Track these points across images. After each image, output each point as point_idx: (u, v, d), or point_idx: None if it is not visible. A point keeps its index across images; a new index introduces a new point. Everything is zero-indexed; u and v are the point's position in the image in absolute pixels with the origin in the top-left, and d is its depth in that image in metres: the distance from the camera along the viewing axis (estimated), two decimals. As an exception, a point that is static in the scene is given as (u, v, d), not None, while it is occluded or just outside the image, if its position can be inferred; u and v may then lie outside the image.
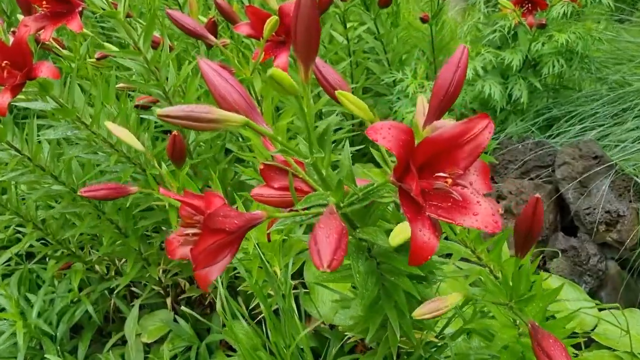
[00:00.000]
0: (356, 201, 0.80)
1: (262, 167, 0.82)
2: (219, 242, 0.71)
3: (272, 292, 1.56)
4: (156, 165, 1.08)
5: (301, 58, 0.67)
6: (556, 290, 0.95)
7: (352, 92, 2.01)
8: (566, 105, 2.22)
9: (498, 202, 1.81)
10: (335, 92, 0.73)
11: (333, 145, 1.87)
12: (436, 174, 0.66)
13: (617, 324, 1.43)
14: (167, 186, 1.21)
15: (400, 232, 0.86)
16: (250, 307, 1.67)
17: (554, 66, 2.08)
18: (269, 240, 1.20)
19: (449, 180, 0.66)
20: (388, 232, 0.88)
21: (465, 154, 0.67)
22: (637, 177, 1.75)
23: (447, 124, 0.75)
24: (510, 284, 0.91)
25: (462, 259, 1.20)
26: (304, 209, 0.79)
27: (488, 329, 1.06)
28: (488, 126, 0.66)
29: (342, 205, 0.79)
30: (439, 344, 1.29)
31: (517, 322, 1.02)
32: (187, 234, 0.75)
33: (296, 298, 1.76)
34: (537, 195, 0.78)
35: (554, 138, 2.15)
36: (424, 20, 2.13)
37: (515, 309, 0.91)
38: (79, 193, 0.96)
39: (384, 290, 1.06)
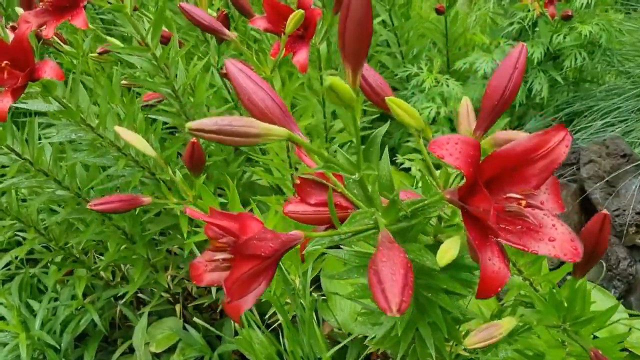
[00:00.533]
0: (402, 218, 0.72)
1: (298, 181, 0.73)
2: (253, 269, 0.63)
3: (289, 300, 1.48)
4: (170, 173, 0.99)
5: (350, 63, 0.58)
6: (611, 310, 0.87)
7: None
8: (587, 100, 2.14)
9: (522, 203, 1.73)
10: (386, 99, 0.64)
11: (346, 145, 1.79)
12: (507, 195, 0.58)
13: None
14: (181, 193, 1.13)
15: (448, 251, 0.77)
16: (266, 316, 1.60)
17: (576, 59, 1.99)
18: (303, 262, 1.12)
19: (523, 202, 0.57)
20: (428, 248, 0.80)
21: (538, 170, 0.59)
22: (669, 176, 1.68)
23: (512, 136, 0.67)
24: (565, 304, 0.83)
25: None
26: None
27: (532, 348, 0.98)
28: (565, 139, 0.58)
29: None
30: (469, 358, 1.23)
31: (565, 342, 0.94)
32: (217, 260, 0.66)
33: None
34: (605, 211, 0.70)
35: (575, 134, 2.07)
36: (439, 11, 2.04)
37: (570, 331, 0.83)
38: (88, 207, 0.87)
39: (418, 307, 0.98)
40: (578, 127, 2.09)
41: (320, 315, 1.63)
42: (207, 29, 1.08)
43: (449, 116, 2.03)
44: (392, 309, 0.47)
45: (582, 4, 1.95)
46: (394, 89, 2.30)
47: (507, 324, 0.77)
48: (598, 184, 1.72)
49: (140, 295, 1.80)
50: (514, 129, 2.22)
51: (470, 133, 0.76)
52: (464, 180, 0.56)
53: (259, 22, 1.25)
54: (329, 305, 1.62)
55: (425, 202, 0.68)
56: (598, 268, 1.62)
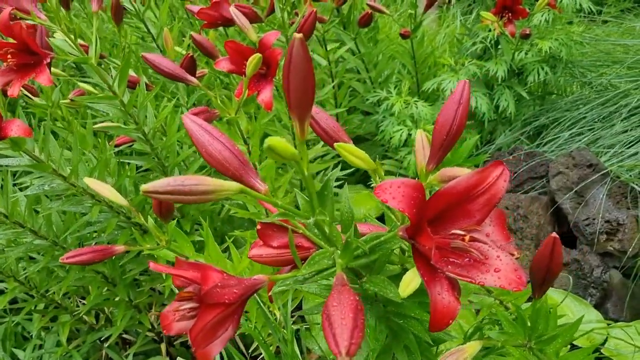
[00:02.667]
0: (362, 255, 0.75)
1: (259, 227, 0.76)
2: (219, 316, 0.65)
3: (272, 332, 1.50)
4: (142, 219, 1.02)
5: (296, 114, 0.61)
6: (575, 325, 0.91)
7: (337, 115, 1.94)
8: (553, 112, 2.19)
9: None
10: (334, 144, 0.67)
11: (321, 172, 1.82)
12: (452, 231, 0.61)
13: (628, 340, 1.39)
14: (154, 238, 1.15)
15: (411, 281, 0.80)
16: (250, 349, 1.61)
17: (538, 74, 2.05)
18: (272, 302, 1.14)
19: (467, 237, 0.61)
20: (394, 277, 0.83)
21: (480, 206, 0.62)
22: (634, 183, 1.72)
23: (456, 172, 0.70)
24: (529, 323, 0.86)
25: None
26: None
27: (504, 366, 1.01)
28: (503, 174, 0.61)
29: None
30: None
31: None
32: (184, 309, 0.69)
33: (296, 331, 1.70)
34: (554, 234, 0.73)
35: (543, 146, 2.12)
36: (404, 36, 2.09)
37: (536, 350, 0.86)
38: (60, 260, 0.89)
39: (392, 332, 1.00)
40: (547, 139, 2.14)
41: (304, 345, 1.64)
42: (171, 77, 1.11)
43: (420, 137, 2.07)
44: (342, 352, 0.50)
45: (541, 20, 2.02)
46: (367, 114, 2.34)
47: (472, 348, 0.80)
48: (567, 195, 1.76)
49: (125, 336, 1.81)
50: (485, 144, 2.27)
51: (423, 167, 0.80)
52: (410, 221, 0.59)
53: (223, 64, 1.29)
54: (312, 334, 1.64)
55: (381, 238, 0.71)
56: (572, 277, 1.66)
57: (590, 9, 2.06)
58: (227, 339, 0.68)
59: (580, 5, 2.04)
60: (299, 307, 1.79)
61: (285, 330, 1.43)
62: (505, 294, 1.10)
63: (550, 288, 1.69)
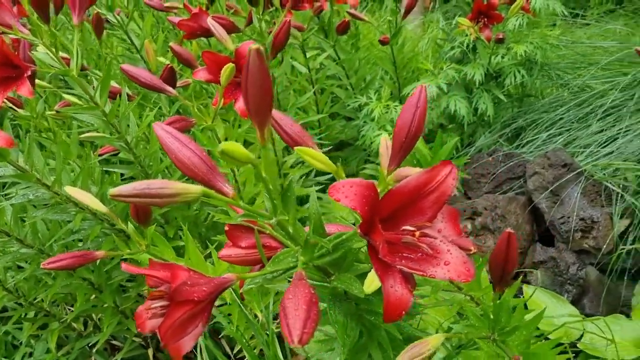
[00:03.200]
0: (326, 253, 0.79)
1: (227, 228, 0.80)
2: (188, 312, 0.69)
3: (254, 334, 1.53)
4: (122, 225, 1.05)
5: (256, 121, 0.65)
6: (538, 317, 0.95)
7: (319, 120, 1.99)
8: (531, 114, 2.24)
9: (474, 219, 1.81)
10: (296, 149, 0.71)
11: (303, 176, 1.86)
12: (403, 227, 0.65)
13: (601, 334, 1.43)
14: (135, 243, 1.18)
15: (375, 279, 0.84)
16: (234, 350, 1.64)
17: (515, 77, 2.11)
18: (243, 299, 1.17)
19: (417, 233, 0.64)
20: (363, 275, 0.87)
21: (431, 203, 0.66)
22: (607, 182, 1.77)
23: (410, 172, 0.74)
24: (491, 316, 0.90)
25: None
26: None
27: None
28: (451, 172, 0.65)
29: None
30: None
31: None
32: (156, 308, 0.72)
33: (280, 333, 1.74)
34: (510, 230, 0.77)
35: (522, 147, 2.17)
36: (383, 42, 2.14)
37: (499, 341, 0.90)
38: (42, 266, 0.93)
39: (366, 329, 1.04)
40: (525, 140, 2.19)
41: (288, 347, 1.67)
42: (149, 88, 1.15)
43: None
44: (294, 340, 0.54)
45: (515, 25, 2.07)
46: (349, 119, 2.38)
47: (435, 340, 0.83)
48: (543, 194, 1.81)
49: (114, 342, 1.84)
50: (465, 146, 2.32)
51: (385, 168, 0.84)
52: (362, 218, 0.63)
53: (201, 74, 1.32)
54: (296, 335, 1.67)
55: (343, 237, 0.75)
56: (549, 275, 1.70)
57: (564, 12, 2.12)
58: (198, 335, 0.71)
59: (554, 9, 2.10)
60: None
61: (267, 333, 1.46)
62: (475, 289, 1.14)
63: (528, 285, 1.73)
